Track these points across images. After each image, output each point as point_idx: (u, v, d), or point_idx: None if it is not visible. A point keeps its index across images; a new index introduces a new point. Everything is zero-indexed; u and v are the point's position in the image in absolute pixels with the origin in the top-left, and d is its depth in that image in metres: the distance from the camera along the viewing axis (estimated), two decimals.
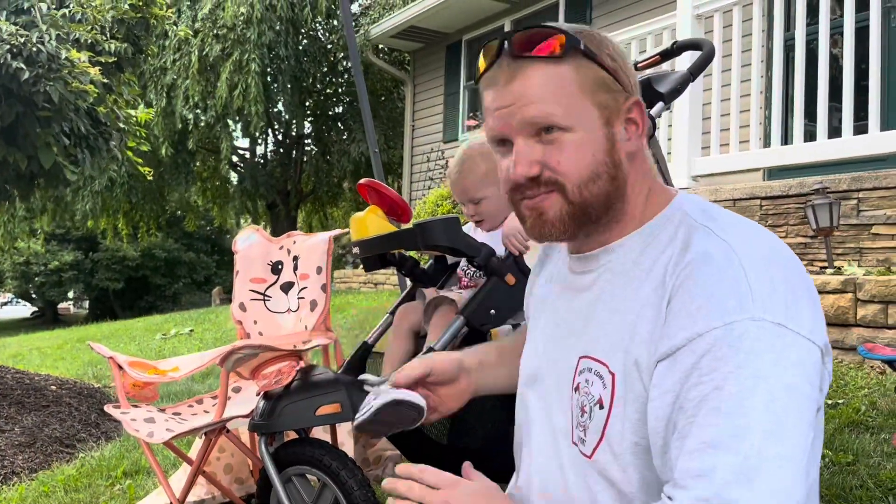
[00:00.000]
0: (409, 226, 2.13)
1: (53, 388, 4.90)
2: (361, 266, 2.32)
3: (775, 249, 0.95)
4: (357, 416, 1.26)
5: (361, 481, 2.02)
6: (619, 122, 1.00)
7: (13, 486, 3.32)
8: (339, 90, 13.90)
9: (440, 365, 1.23)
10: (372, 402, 1.23)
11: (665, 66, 3.65)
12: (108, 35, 4.69)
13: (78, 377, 5.73)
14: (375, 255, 2.23)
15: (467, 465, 1.07)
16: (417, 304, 2.28)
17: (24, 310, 33.69)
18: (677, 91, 2.30)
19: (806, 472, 0.85)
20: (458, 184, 2.17)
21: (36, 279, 24.57)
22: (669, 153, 5.36)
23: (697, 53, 2.38)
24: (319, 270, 2.53)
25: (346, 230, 2.37)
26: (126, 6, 4.72)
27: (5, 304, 37.18)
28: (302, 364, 2.23)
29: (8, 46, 3.88)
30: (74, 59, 4.12)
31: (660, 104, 2.24)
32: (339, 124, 14.03)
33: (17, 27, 4.15)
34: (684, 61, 3.86)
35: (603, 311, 1.00)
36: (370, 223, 2.11)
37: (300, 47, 12.24)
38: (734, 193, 4.88)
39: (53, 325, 21.38)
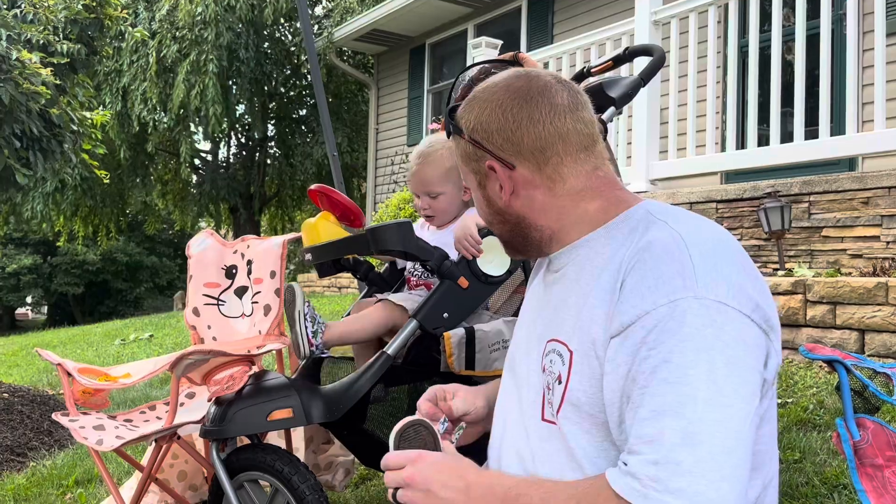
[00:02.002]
0: (361, 231, 2.13)
1: (5, 395, 4.78)
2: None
3: (721, 237, 1.04)
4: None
5: (313, 486, 2.01)
6: (491, 182, 1.16)
7: None
8: (303, 93, 13.81)
9: (479, 411, 1.32)
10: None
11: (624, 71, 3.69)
12: (61, 36, 4.60)
13: (32, 384, 5.61)
14: (328, 260, 2.22)
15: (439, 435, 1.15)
16: (371, 301, 2.28)
17: None
18: (629, 96, 2.33)
19: (749, 438, 0.92)
20: (419, 174, 2.17)
21: None
22: (629, 157, 5.43)
23: (650, 59, 2.42)
24: (273, 275, 2.51)
25: (301, 234, 2.36)
26: (79, 6, 4.63)
27: None
28: (255, 369, 2.21)
29: None
30: (26, 60, 4.03)
31: (611, 109, 2.28)
32: (303, 127, 13.94)
33: None
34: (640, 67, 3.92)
35: (568, 298, 1.10)
36: (322, 229, 2.11)
37: (261, 49, 12.13)
38: (691, 197, 4.95)
39: (10, 330, 20.88)
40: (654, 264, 0.98)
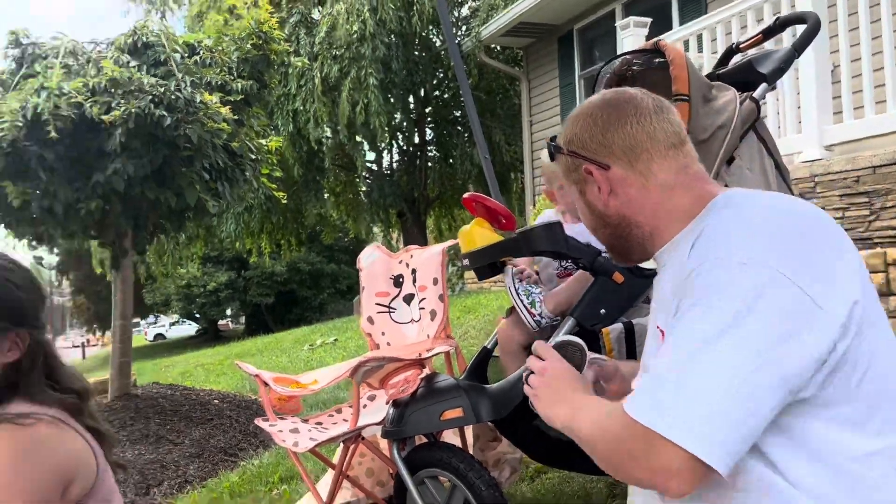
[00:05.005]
0: (513, 234, 2.20)
1: (216, 402, 5.35)
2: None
3: (778, 215, 1.10)
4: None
5: (489, 482, 2.11)
6: (590, 187, 1.23)
7: (187, 493, 3.68)
8: (457, 94, 14.07)
9: (606, 367, 1.43)
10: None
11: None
12: (235, 74, 5.07)
13: (237, 391, 6.21)
14: (485, 264, 2.32)
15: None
16: (517, 319, 2.34)
17: (190, 328, 36.57)
18: (781, 70, 2.23)
19: (752, 385, 0.95)
20: (544, 171, 2.33)
21: (197, 300, 26.55)
22: (800, 122, 5.08)
23: (804, 27, 2.29)
24: (436, 281, 2.65)
25: (458, 241, 2.47)
26: (248, 46, 5.08)
27: (174, 324, 40.60)
28: (426, 371, 2.36)
29: (150, 97, 4.31)
30: (208, 101, 4.49)
31: (763, 85, 2.19)
32: (459, 128, 14.23)
33: (157, 78, 4.58)
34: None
35: (667, 293, 1.16)
36: (476, 235, 2.20)
37: (412, 58, 12.53)
38: (874, 160, 4.56)
39: (215, 341, 23.06)
40: (708, 238, 1.08)
